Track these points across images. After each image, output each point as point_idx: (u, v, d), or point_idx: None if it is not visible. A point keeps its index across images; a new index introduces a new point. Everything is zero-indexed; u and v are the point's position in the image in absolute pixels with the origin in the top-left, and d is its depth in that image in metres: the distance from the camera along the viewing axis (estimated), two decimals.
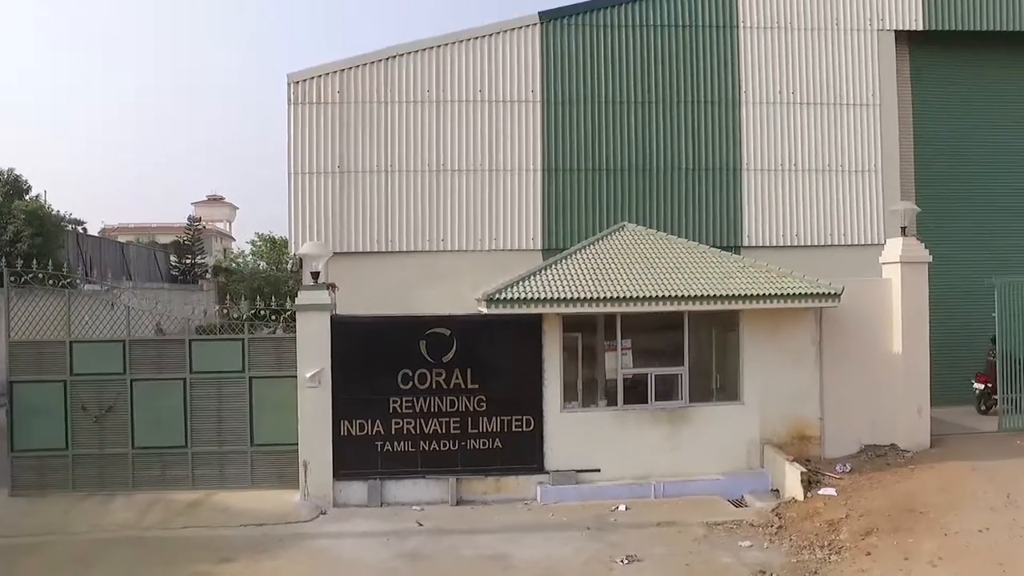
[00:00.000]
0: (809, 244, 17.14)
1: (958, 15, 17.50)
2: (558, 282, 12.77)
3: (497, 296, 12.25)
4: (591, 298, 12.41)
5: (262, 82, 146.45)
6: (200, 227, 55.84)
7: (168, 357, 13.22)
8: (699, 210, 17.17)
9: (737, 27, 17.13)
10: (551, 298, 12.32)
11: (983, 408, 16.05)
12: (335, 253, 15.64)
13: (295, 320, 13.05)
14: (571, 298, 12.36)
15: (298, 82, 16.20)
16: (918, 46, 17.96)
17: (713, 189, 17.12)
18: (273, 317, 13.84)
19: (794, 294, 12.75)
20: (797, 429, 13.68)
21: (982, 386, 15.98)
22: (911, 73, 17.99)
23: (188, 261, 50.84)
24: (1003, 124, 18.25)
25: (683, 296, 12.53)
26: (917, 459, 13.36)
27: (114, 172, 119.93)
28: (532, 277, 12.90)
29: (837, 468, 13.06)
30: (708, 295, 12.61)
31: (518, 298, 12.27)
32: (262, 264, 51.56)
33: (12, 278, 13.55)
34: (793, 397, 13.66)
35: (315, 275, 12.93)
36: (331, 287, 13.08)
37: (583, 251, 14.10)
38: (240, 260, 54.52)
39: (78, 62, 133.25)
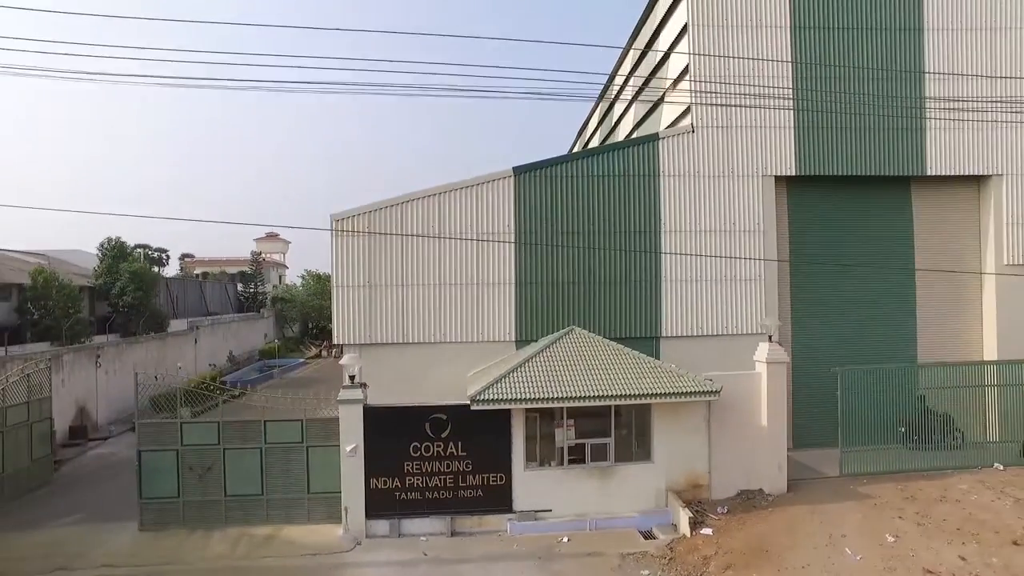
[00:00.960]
0: (712, 334, 18.38)
1: (821, 164, 18.72)
2: (521, 384, 14.27)
3: (479, 397, 13.89)
4: (544, 397, 14.01)
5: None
6: (262, 260, 57.99)
7: (249, 432, 14.93)
8: (629, 311, 18.29)
9: (659, 176, 18.36)
10: (516, 398, 13.95)
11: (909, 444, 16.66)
12: (366, 344, 17.43)
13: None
14: (530, 398, 13.98)
15: (339, 219, 17.52)
16: (793, 185, 19.13)
17: (640, 295, 18.34)
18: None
19: (687, 391, 14.32)
20: (692, 479, 15.23)
21: (903, 430, 16.66)
22: (788, 205, 19.20)
23: (252, 290, 52.92)
24: (858, 240, 19.42)
25: (609, 395, 14.12)
26: (776, 502, 14.78)
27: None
28: (504, 380, 14.32)
29: (718, 510, 14.54)
30: (627, 394, 14.16)
31: (493, 399, 13.91)
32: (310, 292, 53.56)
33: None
34: (690, 457, 15.16)
35: (352, 377, 14.55)
36: (363, 386, 14.69)
37: (541, 354, 15.40)
38: (293, 291, 56.54)
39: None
